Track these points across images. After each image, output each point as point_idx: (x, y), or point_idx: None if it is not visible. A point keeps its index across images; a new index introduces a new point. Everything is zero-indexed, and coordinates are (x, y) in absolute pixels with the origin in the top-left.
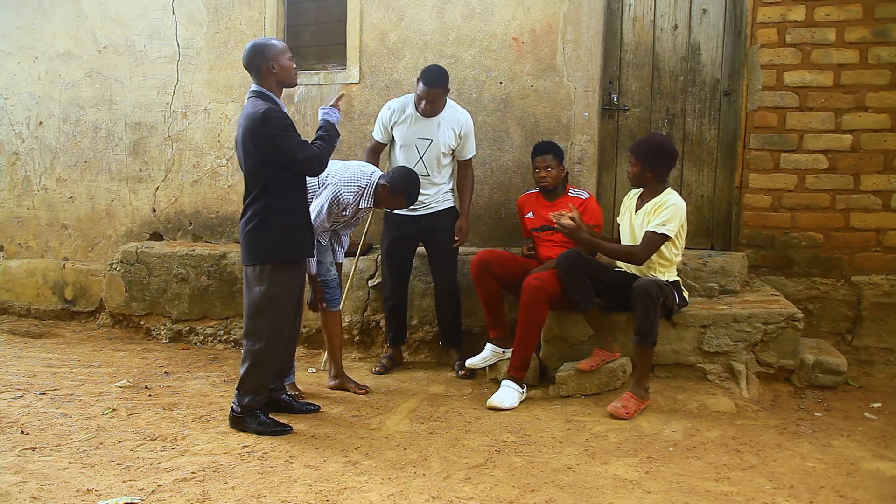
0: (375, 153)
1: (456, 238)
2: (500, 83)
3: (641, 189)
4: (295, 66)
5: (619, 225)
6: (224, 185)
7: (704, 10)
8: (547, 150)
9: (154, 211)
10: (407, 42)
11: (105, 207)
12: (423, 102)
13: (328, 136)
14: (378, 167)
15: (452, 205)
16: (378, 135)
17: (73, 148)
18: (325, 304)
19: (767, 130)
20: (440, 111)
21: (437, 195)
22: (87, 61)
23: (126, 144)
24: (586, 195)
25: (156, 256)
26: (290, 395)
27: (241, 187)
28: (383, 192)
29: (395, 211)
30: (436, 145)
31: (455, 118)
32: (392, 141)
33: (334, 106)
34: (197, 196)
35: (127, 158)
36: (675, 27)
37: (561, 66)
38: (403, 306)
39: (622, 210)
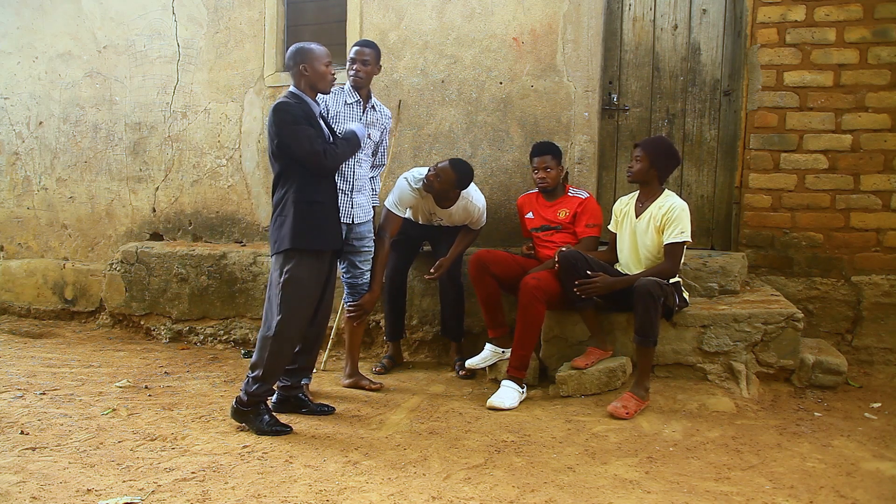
0: (392, 235)
1: (432, 270)
2: (500, 83)
3: (634, 194)
4: (333, 73)
5: (614, 235)
6: (224, 185)
7: (704, 10)
8: (545, 151)
9: (154, 211)
10: (407, 42)
11: (105, 207)
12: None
13: (346, 142)
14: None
15: None
16: (398, 211)
17: (73, 148)
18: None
19: (767, 130)
20: (451, 205)
21: None
22: (87, 61)
23: (126, 144)
24: (586, 195)
25: (156, 256)
26: (304, 395)
27: (241, 187)
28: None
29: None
30: (450, 223)
31: (468, 211)
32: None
33: None
34: (197, 196)
35: (127, 158)
36: (675, 27)
37: (561, 66)
38: (403, 300)
39: (618, 217)
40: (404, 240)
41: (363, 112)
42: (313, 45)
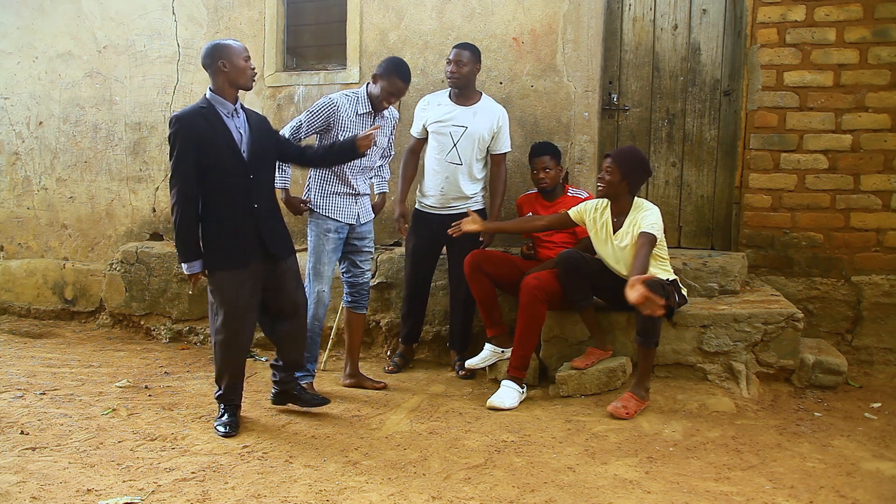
0: (414, 154)
1: (481, 239)
2: (500, 83)
3: (606, 203)
4: (253, 68)
5: (570, 219)
6: None
7: (704, 10)
8: (544, 151)
9: (154, 211)
10: (407, 42)
11: (105, 207)
12: (451, 66)
13: (179, 237)
14: (415, 172)
15: (482, 207)
16: (416, 130)
17: (73, 148)
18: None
19: (767, 130)
20: (471, 86)
21: (470, 189)
22: (87, 61)
23: (126, 144)
24: (585, 195)
25: (156, 256)
26: (301, 386)
27: None
28: (375, 82)
29: (424, 209)
30: (470, 133)
31: (491, 109)
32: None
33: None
34: None
35: (127, 158)
36: (675, 27)
37: (561, 66)
38: (422, 306)
39: (594, 224)
40: (425, 244)
41: (373, 121)
42: (223, 41)
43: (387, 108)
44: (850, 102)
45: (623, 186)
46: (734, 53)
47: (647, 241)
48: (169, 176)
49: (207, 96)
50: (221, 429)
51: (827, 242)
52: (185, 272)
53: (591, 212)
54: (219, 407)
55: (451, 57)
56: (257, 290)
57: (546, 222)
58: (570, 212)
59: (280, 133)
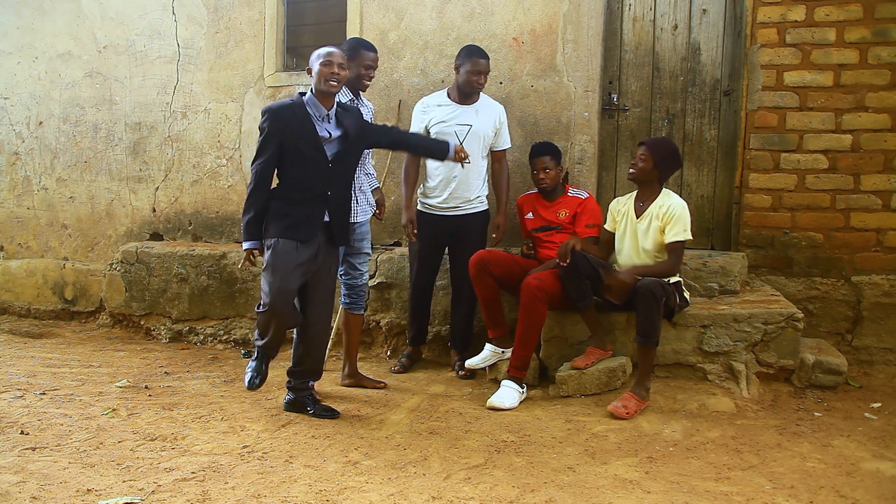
0: (416, 157)
1: (493, 235)
2: (500, 83)
3: (632, 194)
4: (334, 70)
5: (611, 233)
6: (224, 185)
7: (704, 10)
8: (544, 152)
9: (154, 211)
10: (407, 42)
11: (105, 207)
12: (481, 77)
13: (246, 219)
14: (417, 174)
15: (486, 208)
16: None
17: (73, 148)
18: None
19: (767, 130)
20: (475, 101)
21: (477, 189)
22: (87, 61)
23: (126, 144)
24: (585, 195)
25: (156, 256)
26: (314, 397)
27: (241, 187)
28: (350, 62)
29: (427, 211)
30: (475, 132)
31: (491, 106)
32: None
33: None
34: (197, 196)
35: (127, 158)
36: (675, 27)
37: (561, 66)
38: (427, 306)
39: (616, 217)
40: (431, 245)
41: (357, 106)
42: (322, 48)
43: (367, 87)
44: (850, 102)
45: (654, 174)
46: (734, 53)
47: (682, 249)
48: (252, 158)
49: (305, 97)
50: (250, 373)
51: (827, 242)
52: (243, 248)
53: (615, 206)
54: (254, 351)
55: (478, 68)
56: (304, 277)
57: (601, 250)
58: (605, 227)
59: (370, 124)
